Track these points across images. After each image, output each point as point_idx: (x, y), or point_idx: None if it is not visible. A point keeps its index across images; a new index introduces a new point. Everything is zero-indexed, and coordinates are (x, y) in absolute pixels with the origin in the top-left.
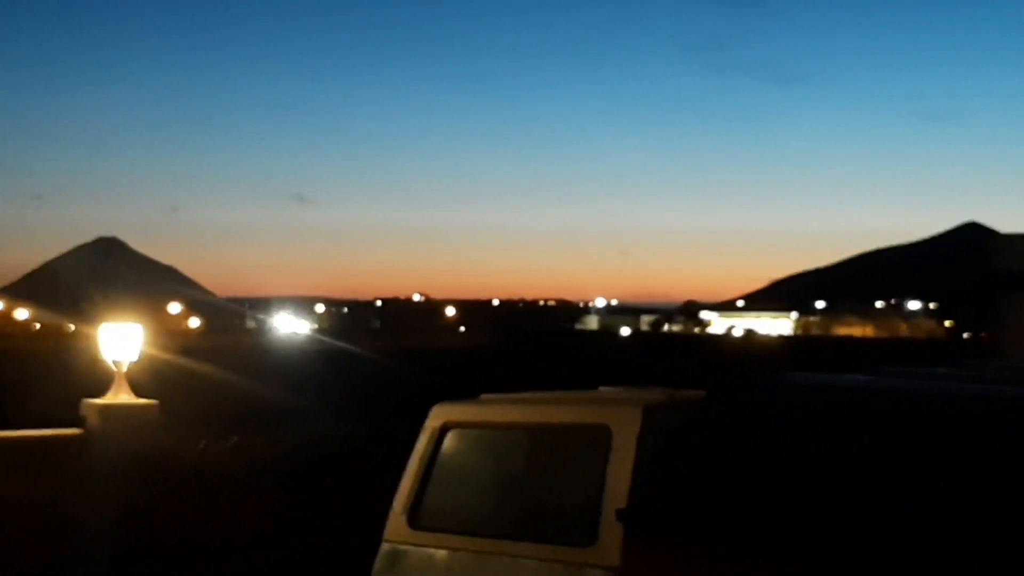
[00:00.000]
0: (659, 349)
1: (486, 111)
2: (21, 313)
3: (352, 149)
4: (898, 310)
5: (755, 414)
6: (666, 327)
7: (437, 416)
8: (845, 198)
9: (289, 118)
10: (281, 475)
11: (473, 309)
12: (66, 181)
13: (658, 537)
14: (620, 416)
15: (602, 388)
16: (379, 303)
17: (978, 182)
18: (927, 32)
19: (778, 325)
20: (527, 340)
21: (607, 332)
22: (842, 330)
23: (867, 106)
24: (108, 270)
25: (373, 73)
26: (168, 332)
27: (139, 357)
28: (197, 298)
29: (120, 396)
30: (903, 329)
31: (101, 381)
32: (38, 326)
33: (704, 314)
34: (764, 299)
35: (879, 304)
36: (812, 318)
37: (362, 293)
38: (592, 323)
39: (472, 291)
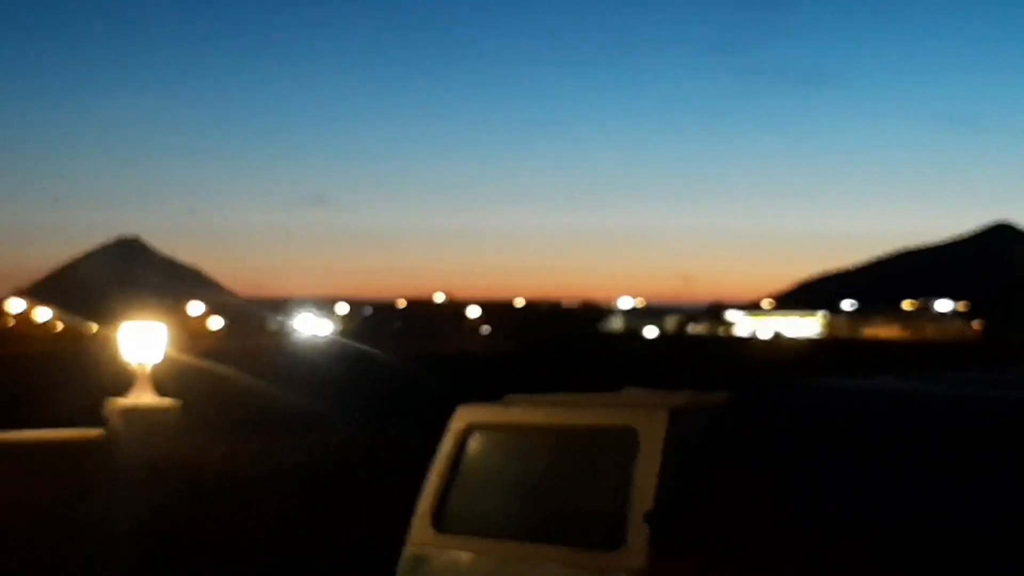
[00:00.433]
0: (684, 351)
1: (509, 112)
2: (43, 314)
3: (373, 150)
4: (926, 311)
5: (782, 417)
6: (691, 328)
7: (461, 418)
8: (873, 199)
9: (310, 119)
10: (302, 479)
11: (496, 310)
12: (87, 182)
13: (684, 541)
14: (646, 418)
15: (627, 390)
16: (402, 304)
17: (1007, 182)
18: (957, 32)
19: (805, 326)
20: (551, 341)
21: (632, 333)
22: (870, 331)
23: (895, 107)
24: (129, 271)
25: (394, 74)
26: (190, 333)
27: (162, 358)
28: (219, 299)
29: (143, 397)
30: (931, 330)
31: (124, 382)
32: (60, 327)
33: (730, 315)
34: (791, 300)
35: (907, 305)
36: (839, 319)
37: (384, 293)
38: (616, 324)
39: (495, 292)
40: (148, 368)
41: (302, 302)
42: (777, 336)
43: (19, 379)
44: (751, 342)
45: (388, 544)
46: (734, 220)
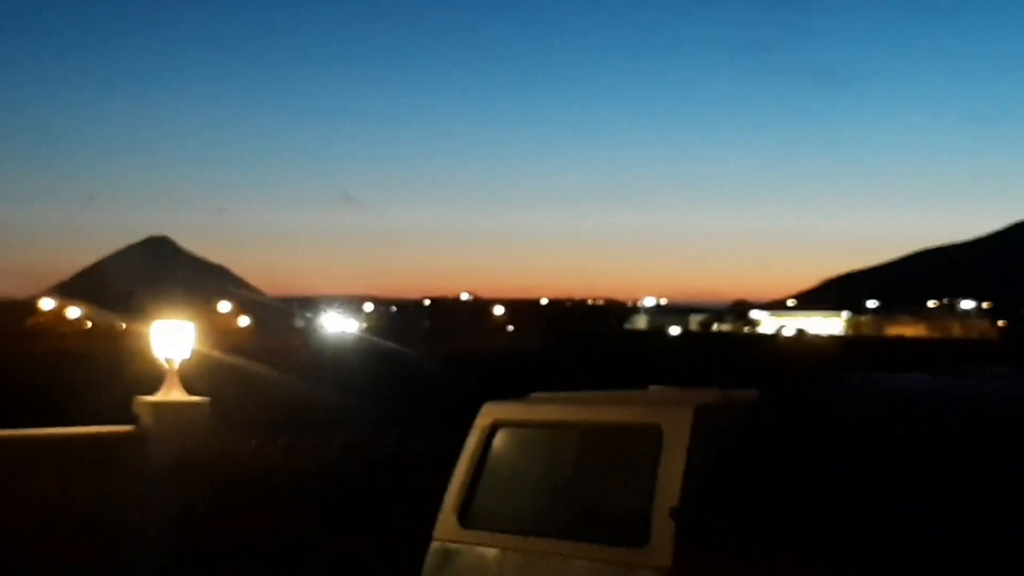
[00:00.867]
0: (709, 349)
1: (535, 114)
2: (73, 311)
3: (400, 149)
4: (951, 310)
5: (808, 414)
6: (716, 327)
7: (487, 415)
8: (897, 197)
9: (338, 120)
10: (330, 476)
11: (521, 308)
12: (117, 181)
13: (710, 537)
14: (672, 416)
15: (652, 388)
16: (427, 302)
17: None
18: (981, 31)
19: (829, 325)
20: (575, 339)
21: (656, 332)
22: (894, 330)
23: (920, 106)
24: (158, 269)
25: (421, 74)
26: (218, 331)
27: (191, 355)
28: (246, 297)
29: (172, 393)
30: (956, 329)
31: (153, 379)
32: (90, 324)
33: (754, 313)
34: (815, 298)
35: (931, 304)
36: (864, 318)
37: (410, 292)
38: (641, 323)
39: (520, 290)
40: (177, 365)
41: (329, 301)
42: (801, 334)
43: (50, 376)
44: (776, 340)
45: (415, 540)
46: (758, 219)
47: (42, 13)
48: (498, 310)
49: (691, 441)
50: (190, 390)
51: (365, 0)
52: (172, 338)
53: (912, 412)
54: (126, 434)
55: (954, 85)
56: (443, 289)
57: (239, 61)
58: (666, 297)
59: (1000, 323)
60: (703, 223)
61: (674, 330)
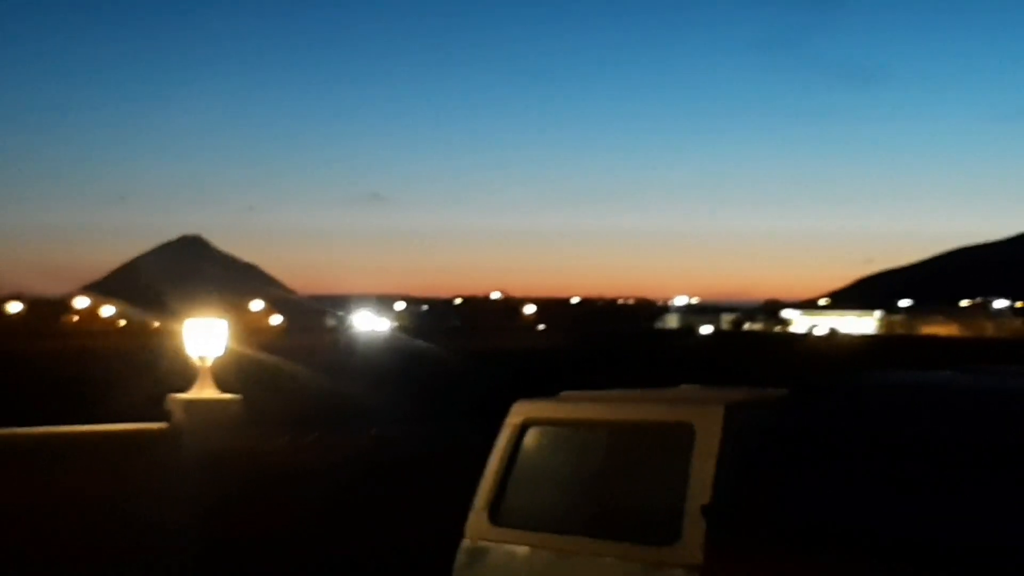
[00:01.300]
0: (740, 348)
1: (566, 111)
2: (107, 310)
3: (430, 149)
4: (983, 309)
5: (841, 412)
6: (747, 326)
7: (518, 413)
8: (930, 196)
9: (369, 119)
10: (362, 473)
11: (552, 307)
12: (150, 181)
13: (740, 536)
14: (703, 414)
15: (683, 386)
16: (458, 301)
17: None
18: (1011, 29)
19: (861, 324)
20: (606, 338)
21: (687, 331)
22: (927, 329)
23: (951, 104)
24: (191, 268)
25: (451, 73)
26: (250, 329)
27: (223, 353)
28: (278, 296)
29: (205, 391)
30: (989, 328)
31: (186, 377)
32: (123, 322)
33: (786, 312)
34: (847, 297)
35: (964, 303)
36: (896, 317)
37: (441, 291)
38: (672, 322)
39: (551, 289)
40: (210, 363)
41: (360, 299)
42: (833, 332)
43: (84, 373)
44: (808, 338)
45: (446, 537)
46: (790, 218)
47: (75, 14)
48: (529, 309)
49: (723, 438)
50: (222, 387)
51: (396, 3)
52: (205, 336)
53: (946, 409)
54: (159, 431)
55: (986, 83)
56: (474, 288)
57: (271, 61)
58: (698, 296)
59: None
60: (735, 222)
61: (705, 329)
